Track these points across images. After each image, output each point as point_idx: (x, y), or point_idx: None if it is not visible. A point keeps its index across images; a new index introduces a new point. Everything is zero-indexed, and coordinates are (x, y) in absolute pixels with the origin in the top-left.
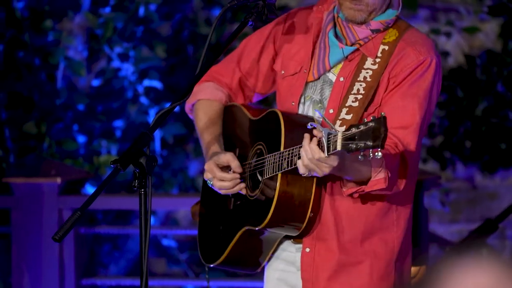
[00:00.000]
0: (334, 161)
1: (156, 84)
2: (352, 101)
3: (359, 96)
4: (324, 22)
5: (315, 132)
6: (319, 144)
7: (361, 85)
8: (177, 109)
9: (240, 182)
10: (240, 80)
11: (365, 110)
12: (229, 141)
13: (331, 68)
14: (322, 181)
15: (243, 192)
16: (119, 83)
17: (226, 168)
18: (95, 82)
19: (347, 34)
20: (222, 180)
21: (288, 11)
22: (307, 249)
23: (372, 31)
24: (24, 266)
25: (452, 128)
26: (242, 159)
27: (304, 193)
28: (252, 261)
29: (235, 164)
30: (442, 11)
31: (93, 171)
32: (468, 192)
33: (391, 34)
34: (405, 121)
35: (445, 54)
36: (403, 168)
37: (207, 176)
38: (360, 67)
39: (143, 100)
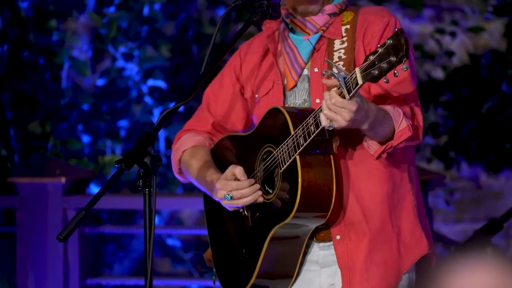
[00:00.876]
0: (353, 105)
1: (161, 83)
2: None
3: (343, 69)
4: (280, 33)
5: (329, 82)
6: (339, 91)
7: (338, 64)
8: (181, 109)
9: (258, 187)
10: (214, 124)
11: None
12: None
13: (305, 64)
14: (340, 161)
15: (260, 200)
16: (124, 83)
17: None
18: (100, 82)
19: (307, 26)
20: (240, 189)
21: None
22: (338, 237)
23: (330, 15)
24: (29, 265)
25: (456, 127)
26: (249, 172)
27: (325, 174)
28: (283, 273)
29: (238, 170)
30: (446, 10)
31: (97, 170)
32: (473, 192)
33: (348, 15)
34: (398, 78)
35: (450, 53)
36: (414, 117)
37: (221, 194)
38: (330, 51)
39: (148, 99)
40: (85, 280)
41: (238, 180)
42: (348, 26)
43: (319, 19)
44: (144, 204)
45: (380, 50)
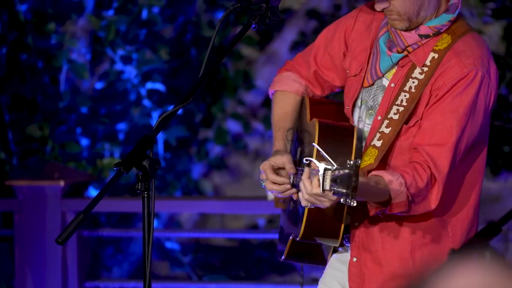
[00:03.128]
0: (332, 196)
1: (159, 86)
2: (394, 113)
3: (401, 108)
4: (380, 26)
5: (313, 166)
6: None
7: (405, 95)
8: (180, 111)
9: (291, 188)
10: (316, 73)
11: (405, 122)
12: (299, 137)
13: (383, 74)
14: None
15: (294, 197)
16: (122, 86)
17: (281, 169)
18: (98, 85)
19: (397, 40)
20: (273, 183)
21: (300, 12)
22: (354, 259)
23: (421, 36)
24: (27, 269)
25: None
26: (301, 159)
27: (337, 205)
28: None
29: (289, 166)
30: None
31: (96, 174)
32: None
33: (444, 41)
34: (441, 138)
35: None
36: (432, 187)
37: (262, 176)
38: (409, 75)
39: (146, 102)
40: (84, 283)
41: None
42: (436, 55)
43: (410, 37)
44: (143, 207)
45: (341, 171)
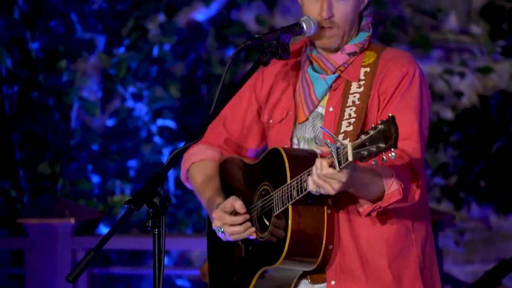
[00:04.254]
0: (343, 176)
1: (170, 123)
2: (346, 126)
3: (352, 120)
4: (302, 63)
5: (323, 149)
6: (330, 161)
7: (351, 109)
8: None
9: (251, 226)
10: (228, 140)
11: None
12: (231, 193)
13: (319, 101)
14: (336, 210)
15: (253, 236)
16: (133, 123)
17: (233, 214)
18: (109, 122)
19: (326, 65)
20: (233, 225)
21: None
22: (333, 282)
23: (349, 54)
24: None
25: (466, 168)
26: (247, 205)
27: (317, 223)
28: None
29: (238, 204)
30: (455, 51)
31: (107, 211)
32: (483, 232)
33: (370, 56)
34: (405, 132)
35: (458, 94)
36: (414, 177)
37: (216, 224)
38: (346, 93)
39: (157, 139)
40: None
41: (237, 212)
42: (368, 69)
43: (338, 58)
44: (154, 244)
45: (371, 132)
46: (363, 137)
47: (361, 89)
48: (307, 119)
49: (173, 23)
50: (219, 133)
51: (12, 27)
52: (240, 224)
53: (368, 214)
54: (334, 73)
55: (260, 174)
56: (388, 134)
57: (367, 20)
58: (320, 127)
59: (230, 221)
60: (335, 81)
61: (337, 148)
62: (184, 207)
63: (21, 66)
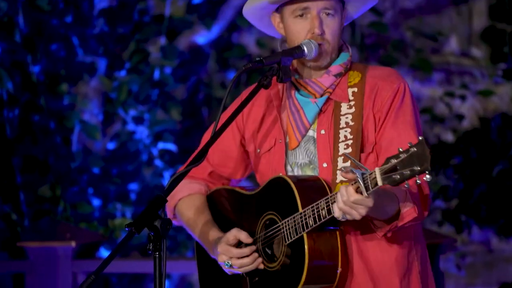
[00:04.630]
0: (370, 201)
1: (171, 146)
2: (344, 148)
3: (349, 142)
4: (285, 90)
5: (348, 176)
6: (355, 187)
7: (346, 131)
8: None
9: (258, 257)
10: (212, 173)
11: (362, 151)
12: (227, 224)
13: (311, 125)
14: (346, 234)
15: (261, 267)
16: (134, 146)
17: (237, 246)
18: (110, 145)
19: (313, 88)
20: (241, 258)
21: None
22: None
23: (335, 75)
24: None
25: (467, 191)
26: (250, 236)
27: (331, 248)
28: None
29: (243, 235)
30: (456, 74)
31: (107, 234)
32: (484, 256)
33: (354, 76)
34: (405, 147)
35: (460, 116)
36: (421, 193)
37: (222, 259)
38: (337, 114)
39: (158, 163)
40: None
41: (241, 243)
42: (355, 89)
43: (325, 81)
44: (154, 267)
45: (402, 156)
46: (393, 161)
47: (353, 109)
48: (299, 144)
49: (174, 46)
50: (202, 166)
51: (14, 51)
52: (248, 256)
53: (384, 234)
54: (322, 95)
55: (262, 204)
56: (423, 157)
57: (343, 41)
58: (345, 154)
59: (237, 254)
60: (325, 103)
61: (363, 174)
62: (185, 230)
63: (22, 90)
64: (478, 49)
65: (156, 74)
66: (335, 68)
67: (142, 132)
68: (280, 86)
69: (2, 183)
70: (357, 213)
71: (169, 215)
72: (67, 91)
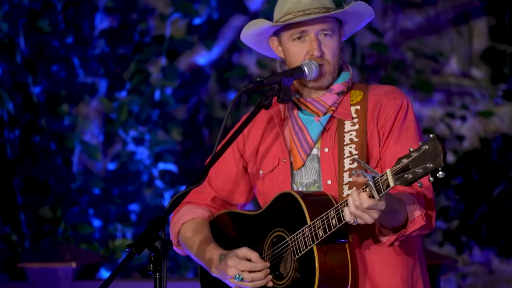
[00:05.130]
0: (382, 205)
1: (172, 167)
2: (349, 164)
3: (355, 157)
4: (286, 110)
5: (359, 179)
6: (368, 192)
7: (351, 147)
8: None
9: (269, 273)
10: (215, 199)
11: None
12: (232, 247)
13: (315, 143)
14: (355, 248)
15: (270, 284)
16: (135, 167)
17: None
18: (111, 166)
19: (316, 107)
20: (253, 272)
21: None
22: None
23: (338, 94)
24: None
25: (468, 211)
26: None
27: (341, 260)
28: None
29: (255, 255)
30: (457, 95)
31: (108, 255)
32: (485, 277)
33: (356, 95)
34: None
35: (460, 137)
36: (428, 204)
37: (232, 273)
38: (340, 132)
39: (159, 183)
40: None
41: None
42: (358, 107)
43: (328, 99)
44: None
45: (414, 154)
46: (405, 160)
47: (356, 126)
48: (304, 164)
49: (175, 67)
50: (205, 192)
51: (14, 72)
52: (260, 270)
53: (391, 244)
54: (325, 114)
55: (269, 222)
56: (435, 152)
57: (343, 60)
58: (354, 158)
59: (250, 267)
60: (328, 121)
61: (374, 177)
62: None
63: (23, 110)
64: (478, 70)
65: (157, 95)
66: (337, 86)
67: (143, 153)
68: (281, 105)
69: (2, 204)
70: (370, 217)
71: (174, 242)
72: (67, 112)
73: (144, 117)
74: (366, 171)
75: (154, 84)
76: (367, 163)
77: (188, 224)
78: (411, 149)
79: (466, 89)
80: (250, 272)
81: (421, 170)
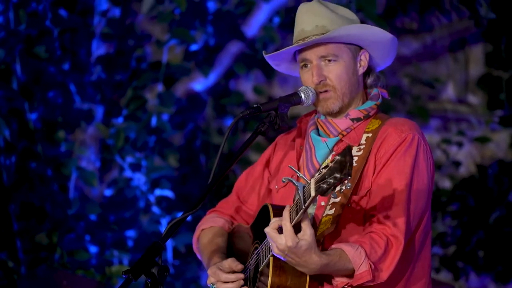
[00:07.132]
0: (309, 237)
1: (168, 193)
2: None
3: (290, 166)
4: (308, 126)
5: (297, 189)
6: (295, 202)
7: None
8: (189, 218)
9: (243, 285)
10: (238, 209)
11: (355, 193)
12: (238, 256)
13: (320, 165)
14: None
15: None
16: (131, 193)
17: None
18: (107, 192)
19: (329, 129)
20: (226, 282)
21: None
22: None
23: (352, 120)
24: None
25: (464, 237)
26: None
27: (299, 277)
28: None
29: (236, 266)
30: (453, 121)
31: (104, 281)
32: None
33: (374, 123)
34: (393, 200)
35: (457, 163)
36: (387, 255)
37: (210, 280)
38: None
39: (155, 209)
40: None
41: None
42: (370, 134)
43: (342, 123)
44: None
45: (331, 164)
46: (323, 170)
47: (360, 152)
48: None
49: (172, 93)
50: (231, 202)
51: (11, 98)
52: (233, 282)
53: None
54: (336, 137)
55: (253, 234)
56: (343, 163)
57: (378, 91)
58: (288, 166)
59: (224, 278)
60: (336, 144)
61: (304, 187)
62: (183, 277)
63: (19, 137)
64: (474, 96)
65: (153, 121)
66: (354, 112)
67: (139, 179)
68: (311, 121)
69: None
70: (275, 246)
71: (194, 248)
72: (64, 138)
73: (140, 143)
74: (298, 179)
75: (151, 111)
76: (357, 187)
77: (206, 231)
78: (334, 157)
79: (463, 115)
80: (224, 282)
81: (332, 180)
